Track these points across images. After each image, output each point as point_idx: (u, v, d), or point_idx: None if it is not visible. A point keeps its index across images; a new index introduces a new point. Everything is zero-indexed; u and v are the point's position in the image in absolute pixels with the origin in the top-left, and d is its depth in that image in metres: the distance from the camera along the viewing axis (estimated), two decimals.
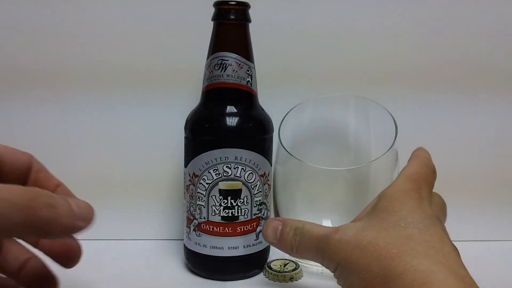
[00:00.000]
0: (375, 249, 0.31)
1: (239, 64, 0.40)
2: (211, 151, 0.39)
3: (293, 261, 0.44)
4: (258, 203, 0.41)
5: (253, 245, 0.41)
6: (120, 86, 0.50)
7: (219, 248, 0.40)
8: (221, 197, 0.40)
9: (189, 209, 0.41)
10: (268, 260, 0.44)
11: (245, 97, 0.41)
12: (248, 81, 0.41)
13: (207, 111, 0.41)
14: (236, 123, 0.40)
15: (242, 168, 0.40)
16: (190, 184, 0.41)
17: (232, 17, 0.40)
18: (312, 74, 0.51)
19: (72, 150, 0.50)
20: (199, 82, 0.42)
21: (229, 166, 0.39)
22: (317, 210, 0.43)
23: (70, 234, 0.27)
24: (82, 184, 0.49)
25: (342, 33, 0.50)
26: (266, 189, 0.42)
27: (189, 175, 0.41)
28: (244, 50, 0.40)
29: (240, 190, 0.40)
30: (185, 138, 0.42)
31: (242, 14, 0.40)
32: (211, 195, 0.40)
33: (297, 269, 0.43)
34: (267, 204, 0.42)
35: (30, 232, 0.26)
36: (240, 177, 0.40)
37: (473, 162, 0.52)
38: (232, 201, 0.40)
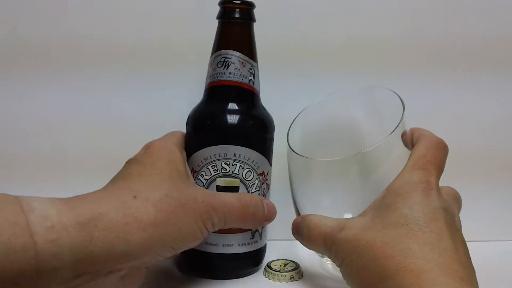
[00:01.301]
0: (371, 249, 0.32)
1: (242, 63, 0.40)
2: (210, 147, 0.40)
3: (293, 261, 0.44)
4: None
5: (248, 243, 0.41)
6: (123, 76, 0.50)
7: (214, 244, 0.40)
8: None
9: None
10: (268, 260, 0.44)
11: (247, 96, 0.41)
12: (251, 79, 0.41)
13: (208, 108, 0.41)
14: (237, 120, 0.40)
15: (240, 166, 0.40)
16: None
17: (237, 16, 0.40)
18: (313, 52, 0.51)
19: (70, 139, 0.51)
20: (203, 77, 0.43)
21: (228, 163, 0.40)
22: (334, 204, 0.42)
23: None
24: (75, 175, 0.51)
25: (344, 8, 0.50)
26: (264, 188, 0.42)
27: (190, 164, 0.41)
28: (248, 48, 0.41)
29: (237, 187, 0.40)
30: (186, 134, 0.42)
31: (247, 14, 0.41)
32: (210, 187, 0.40)
33: (297, 269, 0.43)
34: None
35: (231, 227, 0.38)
36: (238, 174, 0.40)
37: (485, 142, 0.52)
38: None
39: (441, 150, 0.36)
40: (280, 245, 0.48)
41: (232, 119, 0.40)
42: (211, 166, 0.40)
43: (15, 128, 0.50)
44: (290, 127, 0.44)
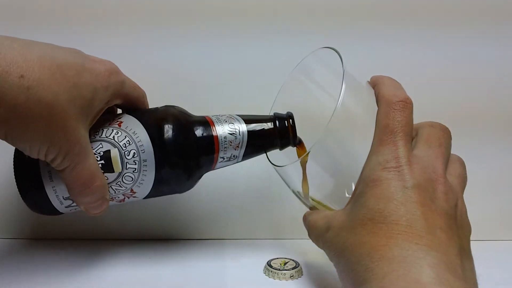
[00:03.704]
0: (345, 253, 0.31)
1: (238, 146, 0.40)
2: (146, 131, 0.39)
3: (293, 260, 0.44)
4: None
5: (57, 196, 0.38)
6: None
7: (45, 165, 0.37)
8: (101, 153, 0.38)
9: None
10: (268, 259, 0.44)
11: (207, 155, 0.41)
12: (224, 158, 0.41)
13: (184, 118, 0.41)
14: (176, 144, 0.39)
15: (135, 169, 0.39)
16: (110, 124, 0.40)
17: (279, 138, 0.41)
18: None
19: None
20: None
21: (135, 154, 0.38)
22: (332, 185, 0.39)
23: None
24: None
25: None
26: (119, 198, 0.40)
27: (119, 119, 0.40)
28: (253, 151, 0.42)
29: (112, 171, 0.38)
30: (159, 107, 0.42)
31: (285, 144, 0.42)
32: (103, 143, 0.38)
33: (297, 267, 0.42)
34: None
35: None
36: (127, 169, 0.39)
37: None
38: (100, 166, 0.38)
39: (402, 110, 0.32)
40: (280, 243, 0.50)
41: (179, 141, 0.39)
42: (127, 140, 0.39)
43: None
44: None
